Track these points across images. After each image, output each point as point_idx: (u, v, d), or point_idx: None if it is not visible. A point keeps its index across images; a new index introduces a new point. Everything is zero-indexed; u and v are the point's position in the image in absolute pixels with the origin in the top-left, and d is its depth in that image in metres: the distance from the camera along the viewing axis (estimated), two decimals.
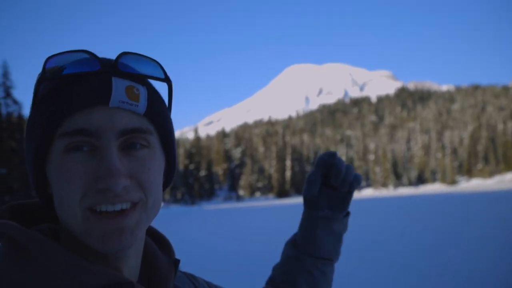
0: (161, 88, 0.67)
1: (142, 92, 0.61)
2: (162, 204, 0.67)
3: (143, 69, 0.62)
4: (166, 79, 0.64)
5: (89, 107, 0.57)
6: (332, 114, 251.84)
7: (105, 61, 0.60)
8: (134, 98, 0.59)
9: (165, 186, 0.69)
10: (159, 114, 0.63)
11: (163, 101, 0.66)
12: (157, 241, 0.75)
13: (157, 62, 0.64)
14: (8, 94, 34.51)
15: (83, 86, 0.58)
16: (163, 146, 0.65)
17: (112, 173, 0.55)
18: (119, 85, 0.59)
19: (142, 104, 0.60)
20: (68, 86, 0.58)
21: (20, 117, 35.24)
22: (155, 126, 0.63)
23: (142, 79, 0.63)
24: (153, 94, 0.64)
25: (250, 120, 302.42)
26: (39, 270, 0.55)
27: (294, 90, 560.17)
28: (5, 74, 34.46)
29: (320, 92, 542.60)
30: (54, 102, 0.58)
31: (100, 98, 0.57)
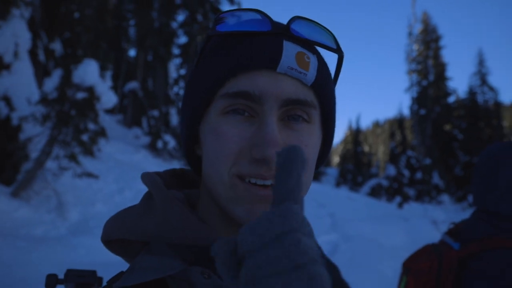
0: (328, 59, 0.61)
1: (313, 60, 0.55)
2: None
3: (315, 37, 0.56)
4: (338, 50, 0.58)
5: (255, 69, 0.53)
6: None
7: (276, 24, 0.56)
8: (304, 66, 0.54)
9: (317, 166, 0.62)
10: (326, 87, 0.57)
11: (330, 74, 0.60)
12: None
13: (330, 31, 0.58)
14: (483, 81, 34.27)
15: (251, 46, 0.53)
16: (323, 122, 0.60)
17: (270, 143, 0.50)
18: (290, 50, 0.53)
19: (311, 74, 0.55)
20: (235, 45, 0.54)
21: (496, 103, 33.98)
22: (319, 100, 0.57)
23: (314, 47, 0.58)
24: (323, 64, 0.58)
25: None
26: (155, 219, 0.57)
27: None
28: (480, 62, 34.39)
29: None
30: (218, 60, 0.55)
31: (268, 61, 0.53)
